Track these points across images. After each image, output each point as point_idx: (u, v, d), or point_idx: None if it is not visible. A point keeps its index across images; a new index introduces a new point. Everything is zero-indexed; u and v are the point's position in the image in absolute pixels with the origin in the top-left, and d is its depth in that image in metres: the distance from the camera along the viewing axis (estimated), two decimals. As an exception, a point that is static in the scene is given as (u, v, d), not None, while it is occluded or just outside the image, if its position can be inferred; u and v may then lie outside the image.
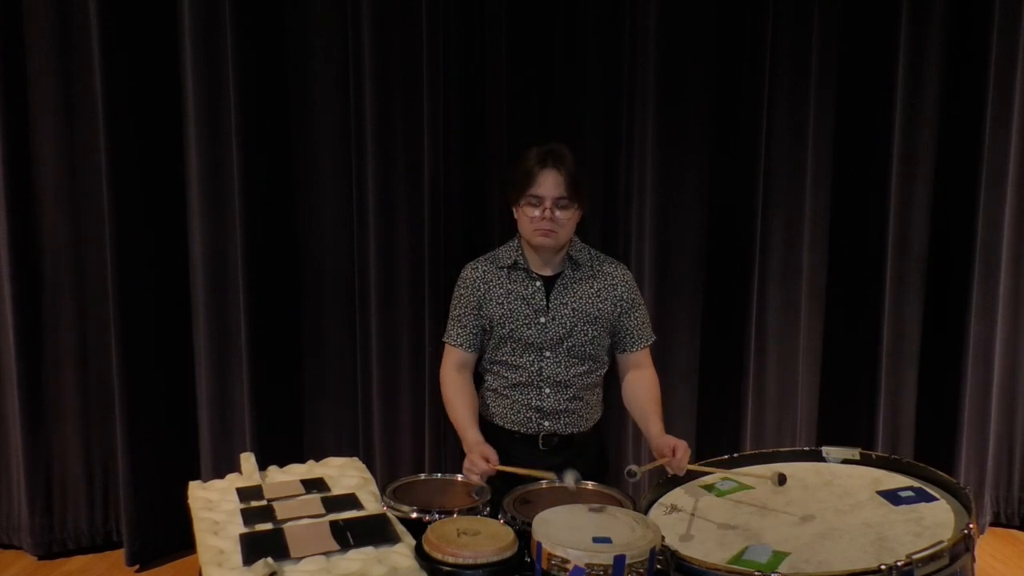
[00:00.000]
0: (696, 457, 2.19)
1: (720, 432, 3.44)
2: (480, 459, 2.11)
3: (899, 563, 1.56)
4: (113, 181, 3.12)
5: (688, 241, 3.40)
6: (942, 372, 3.51)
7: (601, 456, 2.47)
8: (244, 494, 1.98)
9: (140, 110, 3.16)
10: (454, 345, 2.35)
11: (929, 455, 3.42)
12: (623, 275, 2.34)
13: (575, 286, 2.28)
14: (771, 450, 2.22)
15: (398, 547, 1.73)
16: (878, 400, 3.46)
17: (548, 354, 2.27)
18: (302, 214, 3.29)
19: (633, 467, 1.97)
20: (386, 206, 3.23)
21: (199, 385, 3.30)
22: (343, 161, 3.25)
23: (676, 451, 2.07)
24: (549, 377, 2.28)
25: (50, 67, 3.16)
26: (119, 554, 3.35)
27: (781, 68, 3.29)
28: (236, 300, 3.23)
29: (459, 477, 2.19)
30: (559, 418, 2.30)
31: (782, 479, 1.99)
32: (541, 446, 2.30)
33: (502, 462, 2.21)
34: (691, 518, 1.90)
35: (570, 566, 1.54)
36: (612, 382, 2.45)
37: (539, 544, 1.58)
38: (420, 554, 1.68)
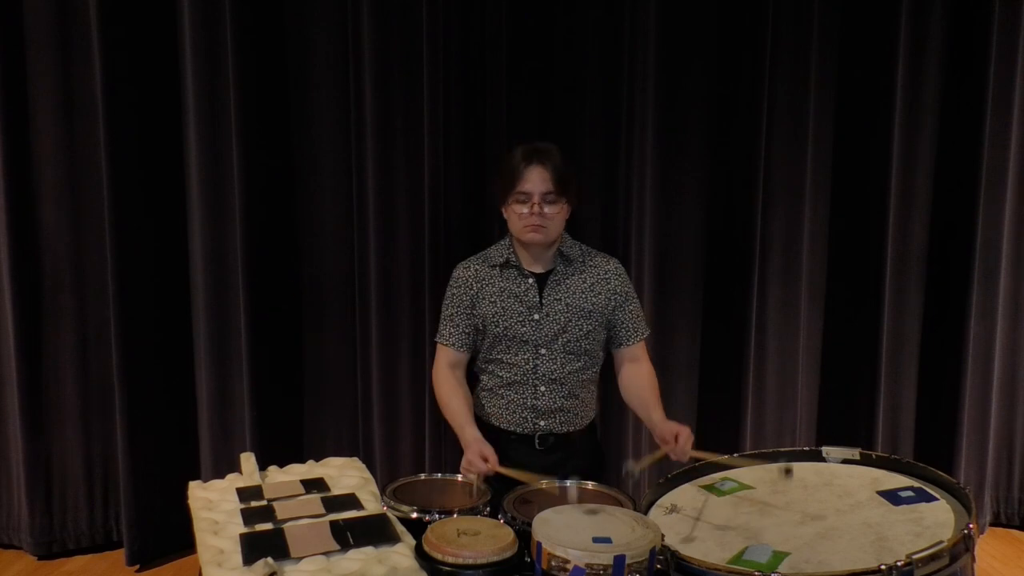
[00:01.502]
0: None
1: (720, 432, 3.44)
2: (478, 458, 2.10)
3: (899, 563, 1.56)
4: (113, 181, 3.13)
5: (688, 241, 3.40)
6: (942, 372, 3.51)
7: (598, 455, 2.47)
8: (244, 494, 1.98)
9: (140, 110, 3.16)
10: (446, 344, 2.35)
11: (929, 455, 3.42)
12: (615, 268, 2.34)
13: (567, 281, 2.28)
14: (771, 450, 2.22)
15: (398, 547, 1.73)
16: (878, 400, 3.46)
17: (543, 351, 2.27)
18: (302, 214, 3.29)
19: (630, 465, 1.96)
20: (386, 206, 3.23)
21: (199, 385, 3.30)
22: (343, 161, 3.25)
23: (679, 437, 2.07)
24: (544, 374, 2.27)
25: (50, 66, 3.17)
26: (119, 554, 3.35)
27: (781, 68, 3.29)
28: (236, 300, 3.23)
29: (459, 477, 2.19)
30: (555, 416, 2.30)
31: (789, 471, 1.97)
32: (537, 446, 2.30)
33: (499, 462, 2.22)
34: (691, 518, 1.90)
35: (570, 566, 1.54)
36: (609, 380, 2.44)
37: (539, 544, 1.58)
38: (420, 554, 1.68)
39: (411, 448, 3.35)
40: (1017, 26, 3.33)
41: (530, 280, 2.28)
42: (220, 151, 3.16)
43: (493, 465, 2.10)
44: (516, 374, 2.29)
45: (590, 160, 3.29)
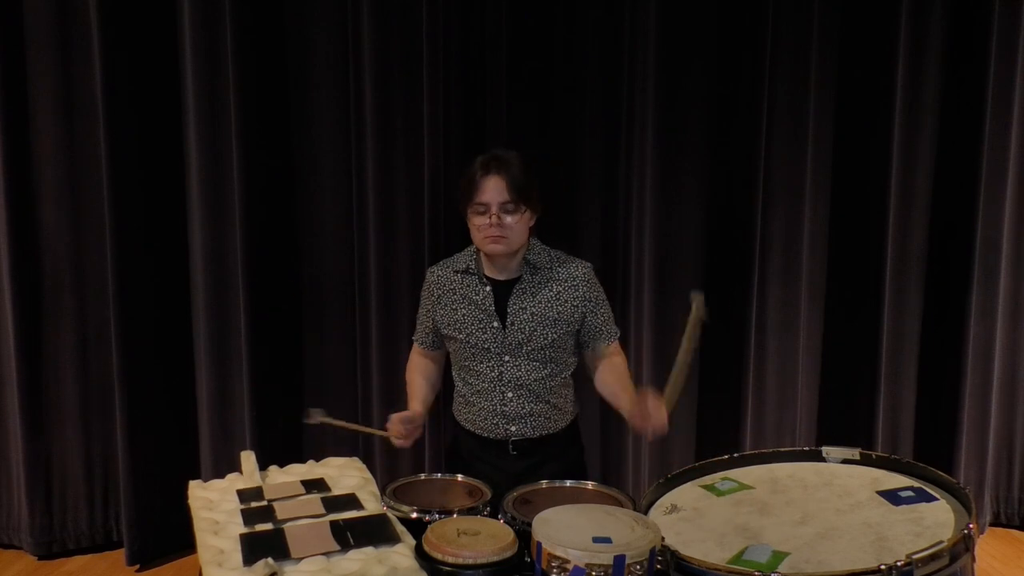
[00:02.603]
0: (696, 457, 2.19)
1: (720, 432, 3.44)
2: (399, 418, 2.21)
3: (899, 563, 1.56)
4: (113, 181, 3.13)
5: (688, 241, 3.40)
6: (942, 372, 3.51)
7: (577, 456, 2.44)
8: (244, 495, 1.98)
9: (140, 110, 3.16)
10: (415, 341, 2.43)
11: (929, 455, 3.42)
12: (584, 274, 2.29)
13: (534, 290, 2.25)
14: (771, 450, 2.22)
15: (398, 547, 1.72)
16: (878, 400, 3.46)
17: (507, 359, 2.25)
18: (302, 214, 3.29)
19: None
20: (386, 206, 3.23)
21: (199, 385, 3.30)
22: (343, 161, 3.25)
23: (648, 402, 2.05)
24: (510, 381, 2.25)
25: (50, 66, 3.17)
26: (119, 554, 3.35)
27: (781, 68, 3.29)
28: (236, 300, 3.23)
29: (459, 477, 2.19)
30: (525, 422, 2.27)
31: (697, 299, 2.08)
32: (511, 451, 2.29)
33: (474, 466, 2.28)
34: (691, 518, 1.90)
35: (570, 566, 1.54)
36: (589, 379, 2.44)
37: (539, 544, 1.58)
38: (420, 554, 1.68)
39: (411, 448, 3.34)
40: (1017, 26, 3.33)
41: (487, 288, 2.25)
42: (220, 151, 3.16)
43: (394, 427, 2.21)
44: (483, 381, 2.27)
45: (590, 160, 3.29)
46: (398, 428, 2.21)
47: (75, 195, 3.24)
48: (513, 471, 2.24)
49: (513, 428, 2.28)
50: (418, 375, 2.41)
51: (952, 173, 3.42)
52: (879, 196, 3.39)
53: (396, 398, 3.30)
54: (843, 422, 3.54)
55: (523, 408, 2.26)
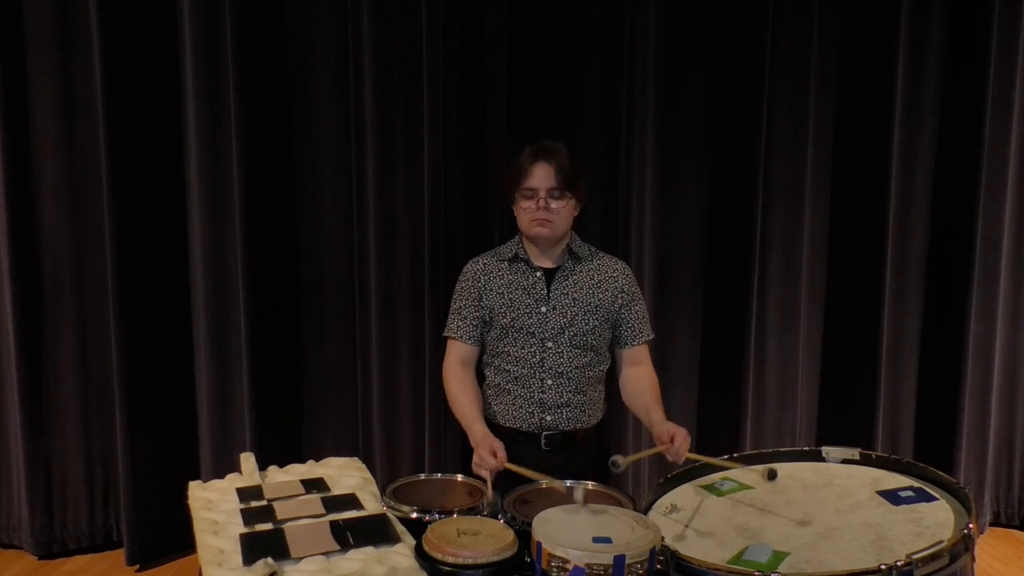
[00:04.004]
0: (696, 457, 2.19)
1: (720, 432, 3.44)
2: (488, 454, 2.10)
3: (899, 563, 1.56)
4: (113, 181, 3.13)
5: (688, 241, 3.40)
6: (942, 372, 3.51)
7: (601, 455, 2.47)
8: (244, 494, 1.99)
9: (140, 110, 3.16)
10: (455, 338, 2.38)
11: (929, 455, 3.42)
12: (623, 268, 2.41)
13: (575, 277, 2.33)
14: (771, 450, 2.22)
15: (398, 547, 1.73)
16: (878, 400, 3.46)
17: (550, 344, 2.30)
18: (302, 214, 3.29)
19: (617, 458, 1.96)
20: (386, 206, 3.23)
21: (199, 385, 3.30)
22: (343, 161, 3.25)
23: (675, 439, 2.09)
24: (551, 368, 2.30)
25: (50, 66, 3.17)
26: (119, 554, 3.35)
27: (781, 68, 3.29)
28: (236, 300, 3.23)
29: (459, 477, 2.18)
30: (561, 412, 2.31)
31: (772, 474, 2.04)
32: (544, 446, 2.31)
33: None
34: (691, 518, 1.90)
35: (570, 566, 1.54)
36: (611, 381, 2.45)
37: (539, 544, 1.58)
38: (420, 554, 1.68)
39: (411, 448, 3.35)
40: (1017, 26, 3.33)
41: (538, 273, 2.33)
42: (220, 151, 3.16)
43: (502, 461, 2.10)
44: (523, 367, 2.31)
45: (590, 160, 3.28)
46: (494, 461, 2.10)
47: (75, 195, 3.24)
48: (543, 467, 2.23)
49: (548, 418, 2.31)
50: (464, 391, 2.31)
51: (952, 173, 3.43)
52: (879, 196, 3.39)
53: (396, 398, 3.32)
54: (843, 422, 3.54)
55: (561, 397, 2.31)
